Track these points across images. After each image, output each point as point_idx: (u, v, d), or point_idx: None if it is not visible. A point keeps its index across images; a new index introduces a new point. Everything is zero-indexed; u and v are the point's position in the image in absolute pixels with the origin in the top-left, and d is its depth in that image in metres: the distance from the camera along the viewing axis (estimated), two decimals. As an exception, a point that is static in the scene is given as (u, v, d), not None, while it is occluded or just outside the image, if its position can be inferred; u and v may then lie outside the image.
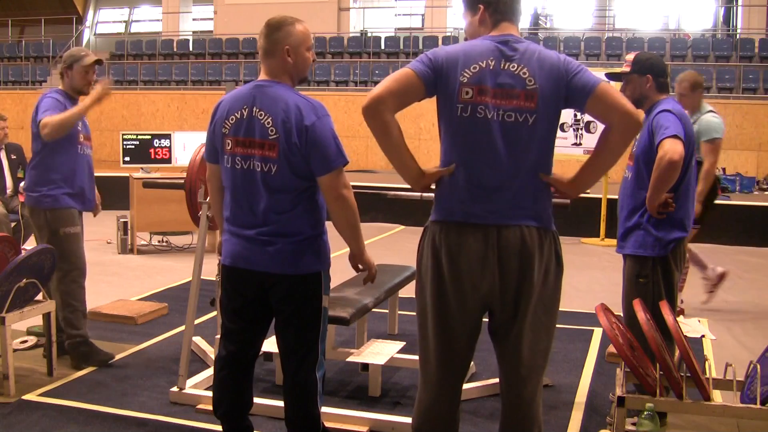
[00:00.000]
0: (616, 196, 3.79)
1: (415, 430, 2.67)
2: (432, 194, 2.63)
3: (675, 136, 3.32)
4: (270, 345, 3.87)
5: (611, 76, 3.84)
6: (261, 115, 2.90)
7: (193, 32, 20.18)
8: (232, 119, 2.95)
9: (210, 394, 3.80)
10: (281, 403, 3.54)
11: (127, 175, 8.37)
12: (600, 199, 9.08)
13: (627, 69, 3.60)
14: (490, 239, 2.45)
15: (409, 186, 2.65)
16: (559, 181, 2.56)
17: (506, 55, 2.48)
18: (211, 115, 3.07)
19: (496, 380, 3.87)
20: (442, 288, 2.51)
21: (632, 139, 2.53)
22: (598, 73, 7.33)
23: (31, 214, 4.35)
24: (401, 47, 16.58)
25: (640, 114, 2.52)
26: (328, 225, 3.00)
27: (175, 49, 17.93)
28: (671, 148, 3.28)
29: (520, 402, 2.58)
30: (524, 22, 17.47)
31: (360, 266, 3.08)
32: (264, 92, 2.94)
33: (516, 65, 2.46)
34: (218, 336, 4.16)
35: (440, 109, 2.54)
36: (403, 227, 9.51)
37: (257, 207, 2.92)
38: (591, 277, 7.24)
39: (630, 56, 3.65)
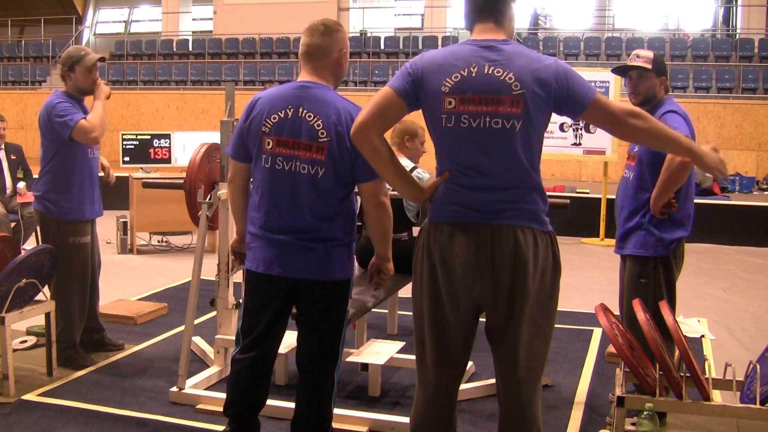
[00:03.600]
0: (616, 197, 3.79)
1: (412, 431, 2.67)
2: None
3: (685, 137, 3.30)
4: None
5: (618, 71, 3.82)
6: (309, 116, 2.86)
7: (193, 32, 20.18)
8: (274, 118, 2.89)
9: (210, 394, 3.81)
10: (281, 403, 3.54)
11: (126, 175, 8.34)
12: (600, 199, 9.08)
13: (647, 66, 3.53)
14: (483, 241, 2.44)
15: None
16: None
17: (489, 60, 2.43)
18: (244, 112, 3.00)
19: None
20: (436, 290, 2.50)
21: (639, 134, 2.53)
22: (600, 73, 7.37)
23: (41, 219, 4.33)
24: (401, 47, 16.59)
25: (638, 111, 2.52)
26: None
27: (174, 49, 17.93)
28: None
29: (518, 405, 2.57)
30: (524, 22, 17.48)
31: (380, 271, 3.06)
32: (310, 93, 2.90)
33: (501, 70, 2.41)
34: (218, 336, 4.16)
35: (426, 120, 2.53)
36: (402, 227, 9.52)
37: (298, 210, 2.89)
38: (591, 277, 7.24)
39: (645, 52, 3.58)
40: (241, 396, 3.10)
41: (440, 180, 2.52)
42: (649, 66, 3.53)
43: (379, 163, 2.52)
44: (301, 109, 2.87)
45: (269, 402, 3.25)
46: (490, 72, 2.42)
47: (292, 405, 3.10)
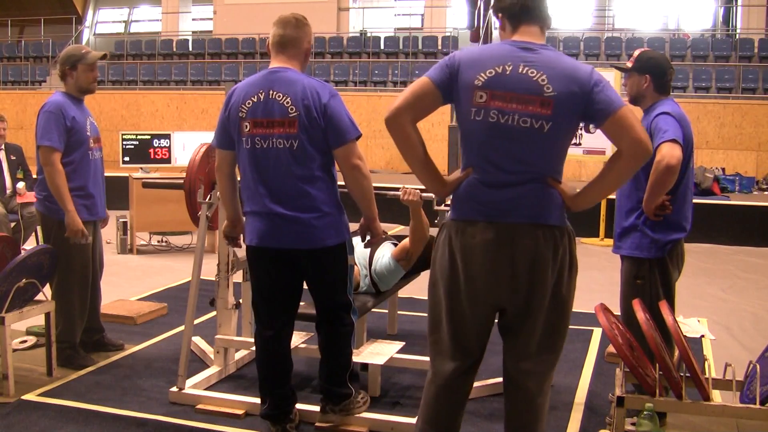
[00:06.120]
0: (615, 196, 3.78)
1: (420, 427, 2.68)
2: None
3: (674, 140, 3.29)
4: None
5: (616, 69, 3.85)
6: (279, 96, 3.14)
7: (193, 32, 20.16)
8: (248, 103, 3.17)
9: (210, 394, 3.82)
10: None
11: (126, 175, 8.36)
12: (599, 199, 9.07)
13: (629, 65, 3.60)
14: (504, 240, 2.47)
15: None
16: (564, 192, 2.57)
17: (525, 60, 2.47)
18: (224, 104, 3.27)
19: (497, 380, 3.87)
20: (456, 287, 2.54)
21: (639, 167, 2.53)
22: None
23: (43, 220, 4.34)
24: (400, 47, 16.57)
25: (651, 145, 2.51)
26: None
27: (174, 49, 17.92)
28: (669, 153, 3.25)
29: (525, 395, 2.62)
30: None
31: (370, 231, 3.34)
32: (278, 77, 3.19)
33: (535, 71, 2.45)
34: (218, 336, 4.16)
35: (456, 112, 2.57)
36: (402, 227, 9.51)
37: (279, 183, 3.14)
38: (590, 277, 7.24)
39: (636, 52, 3.64)
40: (267, 374, 3.37)
41: (464, 176, 2.55)
42: (630, 65, 3.57)
43: (407, 150, 2.55)
44: (271, 92, 3.15)
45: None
46: (524, 72, 2.46)
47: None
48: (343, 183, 3.27)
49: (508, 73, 2.46)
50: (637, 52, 3.63)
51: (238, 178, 3.40)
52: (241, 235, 3.53)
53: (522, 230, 2.47)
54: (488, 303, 2.53)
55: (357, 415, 3.54)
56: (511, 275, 2.47)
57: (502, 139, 2.46)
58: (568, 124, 2.49)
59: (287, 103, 3.12)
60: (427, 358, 3.97)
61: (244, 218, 3.37)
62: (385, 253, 4.27)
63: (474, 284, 2.51)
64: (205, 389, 3.92)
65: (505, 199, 2.48)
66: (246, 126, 3.17)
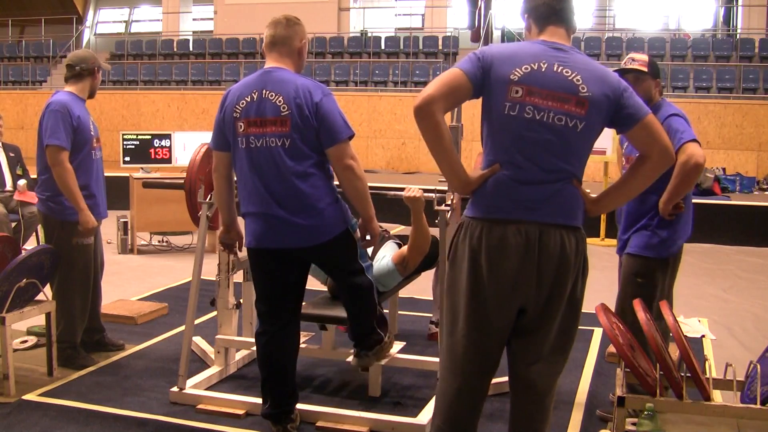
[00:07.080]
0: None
1: (438, 426, 2.66)
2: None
3: (694, 140, 3.33)
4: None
5: (620, 73, 3.83)
6: (272, 95, 3.16)
7: (193, 32, 20.16)
8: (242, 103, 3.20)
9: (210, 393, 3.82)
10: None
11: (127, 175, 8.36)
12: (600, 199, 9.06)
13: (644, 69, 3.56)
14: (531, 241, 2.45)
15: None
16: (586, 195, 2.58)
17: (559, 59, 2.47)
18: (219, 105, 3.29)
19: (498, 380, 3.87)
20: (479, 289, 2.50)
21: (662, 173, 2.56)
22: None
23: (45, 220, 4.33)
24: (401, 47, 16.56)
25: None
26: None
27: (175, 49, 17.92)
28: (695, 152, 3.29)
29: (534, 396, 2.61)
30: (523, 23, 17.42)
31: (368, 231, 3.33)
32: (272, 76, 3.21)
33: (569, 71, 2.45)
34: (219, 336, 4.16)
35: (486, 107, 2.52)
36: (403, 227, 9.51)
37: (274, 182, 3.14)
38: (591, 277, 7.13)
39: (641, 56, 3.61)
40: (268, 373, 3.36)
41: (489, 172, 2.51)
42: (646, 69, 3.56)
43: (436, 140, 2.48)
44: (264, 91, 3.18)
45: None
46: (559, 70, 2.46)
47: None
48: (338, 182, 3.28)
49: (543, 70, 2.45)
50: (644, 57, 3.60)
51: (235, 179, 3.40)
52: (237, 243, 3.58)
53: (550, 230, 2.46)
54: (514, 304, 2.51)
55: (357, 415, 3.55)
56: (538, 275, 2.46)
57: (539, 135, 2.45)
58: (597, 126, 2.50)
59: (279, 101, 3.13)
60: (428, 358, 4.01)
61: (242, 220, 3.36)
62: (386, 254, 4.26)
63: (500, 286, 2.48)
64: (206, 389, 3.92)
65: (538, 197, 2.46)
66: (240, 126, 3.19)
